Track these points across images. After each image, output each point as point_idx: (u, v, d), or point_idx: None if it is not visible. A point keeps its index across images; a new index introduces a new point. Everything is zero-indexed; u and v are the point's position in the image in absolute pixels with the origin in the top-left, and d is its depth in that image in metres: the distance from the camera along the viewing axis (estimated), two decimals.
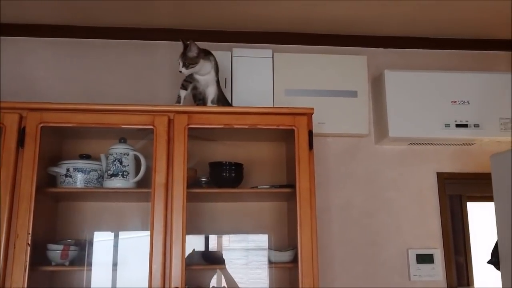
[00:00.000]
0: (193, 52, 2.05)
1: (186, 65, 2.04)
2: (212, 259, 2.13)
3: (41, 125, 1.89)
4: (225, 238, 2.24)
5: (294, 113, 2.00)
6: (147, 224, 2.15)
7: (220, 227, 2.27)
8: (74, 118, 1.93)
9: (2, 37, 2.40)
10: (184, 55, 2.05)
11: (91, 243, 2.10)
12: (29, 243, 1.79)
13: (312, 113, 2.02)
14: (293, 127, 2.00)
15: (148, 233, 2.13)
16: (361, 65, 2.44)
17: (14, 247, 1.78)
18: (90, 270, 2.03)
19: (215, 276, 2.16)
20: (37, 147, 1.87)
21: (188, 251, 1.96)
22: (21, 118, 1.90)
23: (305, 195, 1.93)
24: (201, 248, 2.19)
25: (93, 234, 2.14)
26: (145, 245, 2.10)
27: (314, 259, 1.88)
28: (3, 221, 1.79)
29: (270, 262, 2.08)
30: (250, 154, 2.34)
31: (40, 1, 2.20)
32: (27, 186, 1.83)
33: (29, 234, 1.80)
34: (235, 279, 2.11)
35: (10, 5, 2.23)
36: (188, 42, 2.06)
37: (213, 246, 2.25)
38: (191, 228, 1.92)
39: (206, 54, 2.12)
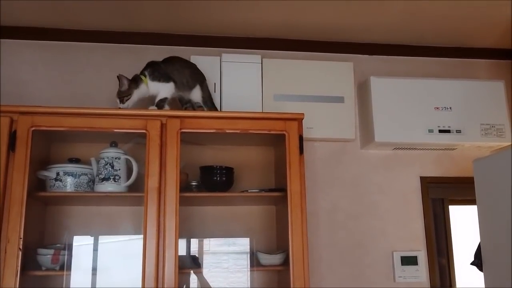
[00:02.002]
0: (124, 86, 2.10)
1: (121, 100, 2.09)
2: (187, 263, 2.12)
3: (33, 128, 1.89)
4: (212, 241, 2.25)
5: (285, 118, 2.04)
6: (138, 228, 2.17)
7: (210, 231, 2.29)
8: (66, 122, 1.93)
9: None
10: (118, 92, 2.11)
11: (81, 248, 2.09)
12: (21, 247, 1.78)
13: (303, 118, 2.06)
14: (284, 132, 2.03)
15: (139, 237, 2.14)
16: (348, 71, 2.50)
17: (5, 252, 1.77)
18: (88, 274, 2.01)
19: (190, 280, 2.15)
20: (28, 151, 1.86)
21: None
22: (12, 121, 1.88)
23: (296, 199, 1.97)
24: (183, 252, 2.19)
25: (83, 239, 2.13)
26: (136, 248, 2.12)
27: (305, 261, 1.92)
28: None
29: (259, 265, 2.10)
30: (238, 158, 2.37)
31: (28, 3, 2.18)
32: (18, 190, 1.82)
33: (21, 238, 1.79)
34: (219, 283, 2.12)
35: None
36: (118, 77, 2.10)
37: (195, 250, 2.24)
38: (180, 231, 1.92)
39: (137, 81, 2.13)
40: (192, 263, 2.12)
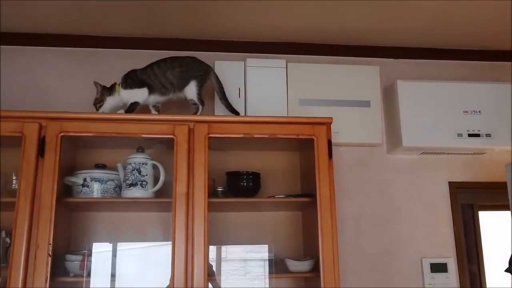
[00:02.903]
0: (98, 93, 2.12)
1: (96, 107, 2.12)
2: None
3: (61, 134, 1.89)
4: (237, 248, 2.21)
5: (313, 123, 2.02)
6: (165, 234, 2.16)
7: (235, 237, 2.26)
8: (94, 127, 1.92)
9: (15, 47, 2.40)
10: (94, 100, 2.13)
11: (107, 254, 2.07)
12: (50, 253, 1.77)
13: (331, 123, 2.04)
14: (313, 137, 2.01)
15: (165, 243, 2.13)
16: (374, 75, 2.47)
17: (35, 258, 1.76)
18: (114, 281, 2.00)
19: None
20: (57, 157, 1.86)
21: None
22: (40, 127, 1.89)
23: (325, 204, 1.94)
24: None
25: (109, 245, 2.12)
26: (163, 254, 2.11)
27: (335, 268, 1.89)
28: (23, 231, 1.77)
29: (287, 272, 2.06)
30: (263, 164, 2.34)
31: (54, 10, 2.19)
32: (47, 196, 1.82)
33: (50, 244, 1.78)
34: None
35: (23, 15, 2.22)
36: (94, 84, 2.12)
37: (220, 256, 2.21)
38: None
39: (111, 89, 2.14)
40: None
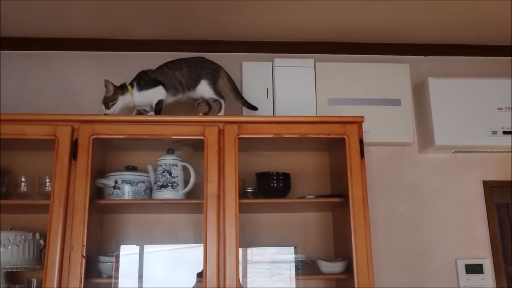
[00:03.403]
0: (109, 92, 2.08)
1: (106, 105, 2.07)
2: None
3: (93, 137, 1.90)
4: (268, 249, 2.19)
5: (344, 122, 1.99)
6: (195, 235, 2.16)
7: (265, 238, 2.25)
8: (125, 129, 1.93)
9: (48, 52, 2.44)
10: (104, 98, 2.09)
11: (138, 256, 2.08)
12: (84, 255, 1.78)
13: (362, 121, 2.01)
14: (344, 136, 1.98)
15: (194, 245, 2.12)
16: (404, 73, 2.43)
17: (69, 259, 1.78)
18: (141, 282, 2.00)
19: None
20: (89, 159, 1.88)
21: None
22: (73, 130, 1.90)
23: (358, 204, 1.91)
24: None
25: (139, 247, 2.13)
26: (193, 256, 2.11)
27: (369, 270, 1.85)
28: (58, 233, 1.79)
29: (319, 273, 2.04)
30: (291, 164, 2.32)
31: (83, 14, 2.22)
32: (80, 198, 1.83)
33: (84, 246, 1.80)
34: None
35: (53, 21, 2.26)
36: (104, 82, 2.09)
37: (250, 258, 2.20)
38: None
39: (123, 89, 2.12)
40: None
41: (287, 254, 2.10)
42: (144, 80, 2.12)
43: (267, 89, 2.38)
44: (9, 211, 2.13)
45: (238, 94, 2.20)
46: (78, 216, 1.81)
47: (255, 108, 2.20)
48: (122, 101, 2.09)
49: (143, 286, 1.97)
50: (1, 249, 1.92)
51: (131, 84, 2.12)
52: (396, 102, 2.39)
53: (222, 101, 2.15)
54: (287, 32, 2.41)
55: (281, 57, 2.42)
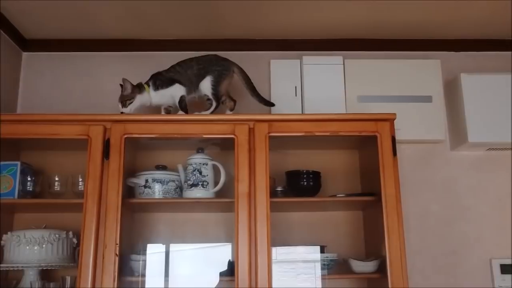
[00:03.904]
0: (127, 90, 2.07)
1: (124, 104, 2.06)
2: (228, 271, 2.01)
3: (125, 136, 1.91)
4: (299, 248, 2.17)
5: (376, 119, 1.97)
6: (226, 234, 2.17)
7: (295, 237, 2.23)
8: (156, 128, 1.95)
9: (79, 53, 2.48)
10: (120, 96, 2.08)
11: (169, 254, 2.09)
12: (117, 253, 1.80)
13: (395, 119, 1.98)
14: (376, 134, 1.95)
15: (220, 243, 2.12)
16: (435, 69, 2.38)
17: (103, 258, 1.79)
18: (167, 281, 2.01)
19: None
20: (122, 158, 1.89)
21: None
22: (105, 130, 1.92)
23: (391, 203, 1.88)
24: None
25: (169, 245, 2.14)
26: (220, 255, 2.11)
27: (403, 269, 1.82)
28: (91, 232, 1.81)
29: (351, 272, 2.01)
30: (321, 163, 2.29)
31: (112, 15, 2.24)
32: (113, 197, 1.85)
33: (117, 244, 1.81)
34: None
35: (83, 22, 2.29)
36: (121, 84, 2.08)
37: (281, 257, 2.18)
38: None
39: (140, 88, 2.11)
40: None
41: (317, 253, 2.07)
42: (160, 80, 2.12)
43: (296, 87, 2.37)
44: (43, 210, 2.17)
45: (253, 91, 2.16)
46: (111, 215, 1.83)
47: (271, 104, 2.17)
48: (140, 100, 2.09)
49: (170, 285, 1.97)
50: (36, 247, 1.95)
51: (147, 84, 2.12)
52: (427, 99, 2.35)
53: (214, 104, 2.09)
54: (316, 29, 2.39)
55: (310, 55, 2.40)
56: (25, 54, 2.48)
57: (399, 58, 2.44)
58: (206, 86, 2.10)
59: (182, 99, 2.10)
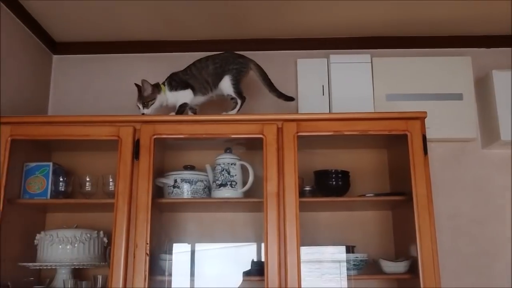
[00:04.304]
0: (147, 91, 2.06)
1: (145, 105, 2.06)
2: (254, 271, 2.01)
3: (154, 136, 1.93)
4: (328, 249, 2.15)
5: (406, 118, 1.94)
6: (254, 234, 2.17)
7: (324, 237, 2.22)
8: (185, 129, 1.96)
9: (108, 55, 2.52)
10: (141, 97, 2.07)
11: (195, 253, 2.10)
12: (148, 253, 1.82)
13: (425, 117, 1.95)
14: (406, 132, 1.92)
15: (246, 243, 2.12)
16: (466, 66, 2.34)
17: (134, 257, 1.81)
18: (193, 281, 2.02)
19: None
20: (151, 159, 1.91)
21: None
22: (135, 130, 1.94)
23: (422, 202, 1.85)
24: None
25: (198, 245, 2.16)
26: (247, 255, 2.11)
27: (435, 270, 1.80)
28: (122, 231, 1.83)
29: (381, 273, 1.99)
30: (349, 162, 2.27)
31: (139, 17, 2.27)
32: (143, 197, 1.87)
33: (147, 244, 1.83)
34: None
35: (111, 24, 2.32)
36: (140, 84, 2.07)
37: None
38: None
39: (158, 87, 2.11)
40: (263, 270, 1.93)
41: (342, 253, 2.06)
42: (176, 81, 2.12)
43: (323, 86, 2.36)
44: (75, 210, 2.21)
45: (271, 87, 2.13)
46: (142, 215, 1.85)
47: (291, 99, 2.13)
48: (159, 100, 2.10)
49: (196, 284, 1.99)
50: (68, 246, 1.98)
51: (163, 84, 2.13)
52: (458, 97, 2.30)
53: (239, 101, 2.08)
54: (343, 27, 2.37)
55: (337, 53, 2.39)
56: (55, 57, 2.53)
57: (429, 55, 2.40)
58: (226, 86, 2.10)
59: (183, 105, 2.10)
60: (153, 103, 2.07)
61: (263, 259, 2.02)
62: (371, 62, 2.35)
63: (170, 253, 2.03)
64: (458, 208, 2.29)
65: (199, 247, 2.16)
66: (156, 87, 2.11)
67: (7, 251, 1.89)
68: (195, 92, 2.12)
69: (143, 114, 2.06)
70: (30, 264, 1.97)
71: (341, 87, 2.33)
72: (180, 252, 2.10)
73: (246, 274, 2.00)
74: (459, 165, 2.34)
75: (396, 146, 2.14)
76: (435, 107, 2.27)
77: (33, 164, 2.04)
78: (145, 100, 2.07)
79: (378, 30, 2.39)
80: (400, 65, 2.35)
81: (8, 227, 1.90)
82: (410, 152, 1.90)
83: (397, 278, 2.06)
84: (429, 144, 2.27)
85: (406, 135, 1.92)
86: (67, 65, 2.52)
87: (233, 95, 2.09)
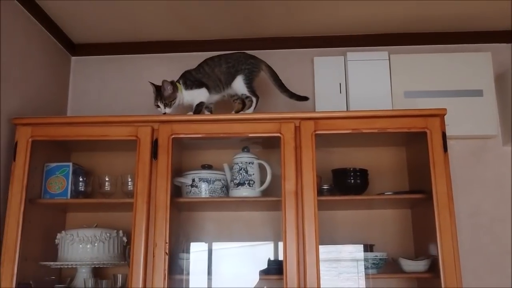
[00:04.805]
0: (168, 91, 2.05)
1: (167, 105, 2.05)
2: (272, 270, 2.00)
3: (172, 136, 1.94)
4: (347, 248, 2.14)
5: (426, 115, 1.92)
6: (273, 233, 2.16)
7: (342, 236, 2.21)
8: (203, 128, 1.96)
9: (125, 56, 2.54)
10: (161, 98, 2.06)
11: (212, 252, 2.11)
12: (167, 252, 1.83)
13: (445, 114, 1.93)
14: (425, 130, 1.90)
15: (263, 242, 2.12)
16: (486, 62, 2.30)
17: (153, 256, 1.82)
18: (211, 279, 2.03)
19: None
20: (170, 158, 1.92)
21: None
22: (153, 130, 1.95)
23: (443, 200, 1.83)
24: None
25: (213, 244, 2.16)
26: (264, 254, 2.11)
27: (457, 269, 1.77)
28: (142, 230, 1.84)
29: (401, 272, 1.97)
30: (367, 161, 2.25)
31: (155, 20, 2.28)
32: (162, 196, 1.88)
33: (166, 243, 1.84)
34: None
35: (127, 25, 2.33)
36: (159, 85, 2.06)
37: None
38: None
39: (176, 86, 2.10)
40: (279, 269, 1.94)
41: (360, 252, 2.04)
42: (190, 80, 2.12)
43: (340, 83, 2.34)
44: (94, 209, 2.22)
45: (282, 87, 2.13)
46: (160, 214, 1.86)
47: (305, 98, 2.13)
48: (179, 98, 2.10)
49: (213, 283, 2.00)
50: (88, 245, 2.00)
51: (178, 82, 2.13)
52: (478, 93, 2.27)
53: (254, 99, 2.09)
54: (359, 25, 2.35)
55: (354, 51, 2.37)
56: (73, 59, 2.56)
57: (447, 51, 2.37)
58: (239, 86, 2.10)
59: (200, 104, 2.10)
60: (175, 102, 2.08)
61: (279, 258, 2.03)
62: (389, 59, 2.33)
63: (188, 252, 2.04)
64: (479, 206, 2.26)
65: (216, 246, 2.17)
66: (175, 86, 2.11)
67: (29, 250, 1.92)
68: (209, 90, 2.12)
69: (164, 113, 2.06)
70: (51, 263, 1.99)
71: (359, 85, 2.32)
72: (197, 251, 2.11)
73: (263, 273, 2.00)
74: (479, 162, 2.31)
75: (415, 144, 2.11)
76: (454, 104, 2.24)
77: (53, 165, 2.07)
78: (167, 100, 2.07)
79: (396, 27, 2.37)
80: (418, 62, 2.32)
81: (29, 227, 1.92)
82: (430, 150, 1.88)
83: (417, 277, 2.04)
84: (448, 142, 2.25)
85: (425, 133, 1.90)
86: (85, 66, 2.54)
87: (248, 93, 2.09)
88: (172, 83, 2.10)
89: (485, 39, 2.40)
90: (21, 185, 1.89)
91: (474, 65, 2.30)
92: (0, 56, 1.94)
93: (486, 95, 2.27)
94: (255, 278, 2.01)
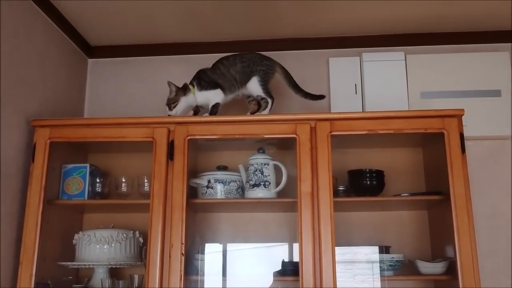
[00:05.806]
0: (172, 93, 2.08)
1: (169, 107, 2.08)
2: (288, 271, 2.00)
3: (188, 137, 1.95)
4: (362, 249, 2.13)
5: (443, 115, 1.90)
6: (288, 234, 2.16)
7: (358, 237, 2.20)
8: (218, 130, 1.97)
9: (140, 57, 2.56)
10: (167, 100, 2.09)
11: (227, 254, 2.11)
12: (183, 252, 1.83)
13: (463, 115, 1.91)
14: (443, 130, 1.88)
15: (277, 243, 2.11)
16: (504, 62, 2.28)
17: (170, 257, 1.83)
18: (225, 280, 2.03)
19: None
20: (186, 159, 1.92)
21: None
22: (169, 132, 1.96)
23: (461, 202, 1.81)
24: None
25: (228, 245, 2.17)
26: (279, 255, 2.11)
27: (475, 271, 1.75)
28: (158, 231, 1.85)
29: (418, 274, 1.96)
30: (383, 162, 2.24)
31: (172, 20, 2.29)
32: (178, 197, 1.89)
33: (182, 244, 1.85)
34: None
35: (142, 27, 2.35)
36: (168, 84, 2.08)
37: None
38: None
39: (185, 89, 2.12)
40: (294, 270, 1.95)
41: (375, 254, 2.03)
42: (205, 81, 2.12)
43: (355, 84, 2.33)
44: (111, 210, 2.24)
45: (296, 88, 2.13)
46: (177, 215, 1.87)
47: (320, 97, 2.12)
48: (185, 101, 2.10)
49: (228, 284, 2.00)
50: (105, 246, 2.02)
51: (192, 84, 2.13)
52: (496, 93, 2.25)
53: (270, 100, 2.09)
54: (375, 25, 2.34)
55: (370, 51, 2.36)
56: (90, 61, 2.59)
57: (464, 51, 2.35)
58: (255, 87, 2.11)
59: (216, 105, 2.10)
60: (176, 105, 2.09)
61: (294, 259, 2.03)
62: (405, 59, 2.32)
63: (203, 253, 2.05)
64: (497, 208, 2.23)
65: (231, 247, 2.17)
66: (182, 89, 2.12)
67: (47, 250, 1.94)
68: (224, 91, 2.12)
69: (168, 115, 2.08)
70: (69, 263, 2.01)
71: (374, 86, 2.31)
72: (212, 252, 2.11)
73: (277, 274, 2.00)
74: (497, 163, 2.28)
75: (432, 145, 2.10)
76: (472, 104, 2.22)
77: (70, 166, 2.09)
78: (168, 102, 2.10)
79: (412, 27, 2.35)
80: (435, 62, 2.31)
81: (47, 227, 1.95)
82: (447, 151, 1.86)
83: (434, 279, 2.02)
84: (466, 142, 2.22)
85: (442, 134, 1.89)
86: (102, 68, 2.57)
87: (263, 95, 2.10)
88: (183, 86, 2.12)
89: (503, 39, 2.37)
90: (39, 186, 1.91)
91: (492, 65, 2.28)
92: (19, 58, 1.97)
93: (504, 95, 2.25)
94: (270, 279, 2.01)
